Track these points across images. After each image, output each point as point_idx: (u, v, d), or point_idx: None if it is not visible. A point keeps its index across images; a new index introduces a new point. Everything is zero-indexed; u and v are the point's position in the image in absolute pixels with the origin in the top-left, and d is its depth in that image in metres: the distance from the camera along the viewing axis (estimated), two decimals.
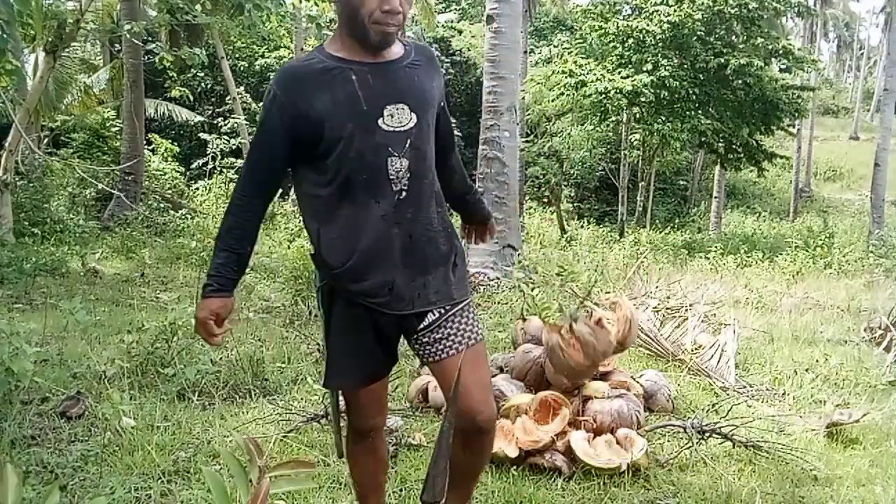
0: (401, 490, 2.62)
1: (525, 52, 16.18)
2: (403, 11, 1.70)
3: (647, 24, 14.74)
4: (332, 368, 1.92)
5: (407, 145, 1.75)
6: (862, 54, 51.44)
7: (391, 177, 1.74)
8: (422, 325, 1.82)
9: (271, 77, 2.06)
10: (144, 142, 11.98)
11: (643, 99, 14.28)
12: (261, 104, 1.88)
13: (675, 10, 14.67)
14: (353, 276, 1.78)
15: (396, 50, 1.81)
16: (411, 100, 1.77)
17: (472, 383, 1.80)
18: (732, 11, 14.66)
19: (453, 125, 2.11)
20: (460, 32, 21.86)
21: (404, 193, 1.76)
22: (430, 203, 1.82)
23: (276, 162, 1.80)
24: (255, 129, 1.91)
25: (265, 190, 1.86)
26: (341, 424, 2.04)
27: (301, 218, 1.86)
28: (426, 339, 1.83)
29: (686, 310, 5.57)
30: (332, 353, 1.92)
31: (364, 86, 1.72)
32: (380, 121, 1.72)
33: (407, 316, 1.81)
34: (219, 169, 13.29)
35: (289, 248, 8.59)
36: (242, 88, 16.63)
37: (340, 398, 2.01)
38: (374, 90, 1.73)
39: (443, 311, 1.82)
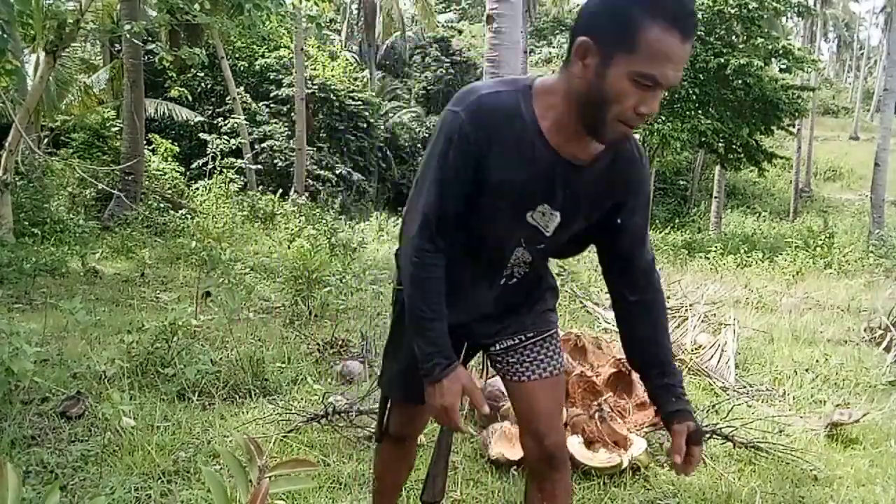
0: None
1: (525, 52, 16.17)
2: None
3: None
4: (387, 375, 1.88)
5: (538, 245, 1.65)
6: (862, 54, 51.44)
7: (510, 262, 1.67)
8: (499, 348, 1.78)
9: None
10: (144, 142, 11.97)
11: None
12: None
13: None
14: None
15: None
16: (568, 212, 1.58)
17: (545, 410, 1.75)
18: (732, 11, 14.67)
19: None
20: (460, 32, 21.92)
21: (514, 280, 1.71)
22: (534, 283, 1.78)
23: (461, 191, 1.53)
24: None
25: (450, 234, 1.56)
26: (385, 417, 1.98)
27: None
28: (503, 359, 1.79)
29: (686, 310, 5.57)
30: (389, 360, 1.87)
31: (540, 173, 1.51)
32: (529, 214, 1.57)
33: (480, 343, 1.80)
34: (219, 169, 13.29)
35: (289, 248, 8.61)
36: (242, 88, 16.67)
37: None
38: (546, 183, 1.53)
39: (522, 338, 1.77)
